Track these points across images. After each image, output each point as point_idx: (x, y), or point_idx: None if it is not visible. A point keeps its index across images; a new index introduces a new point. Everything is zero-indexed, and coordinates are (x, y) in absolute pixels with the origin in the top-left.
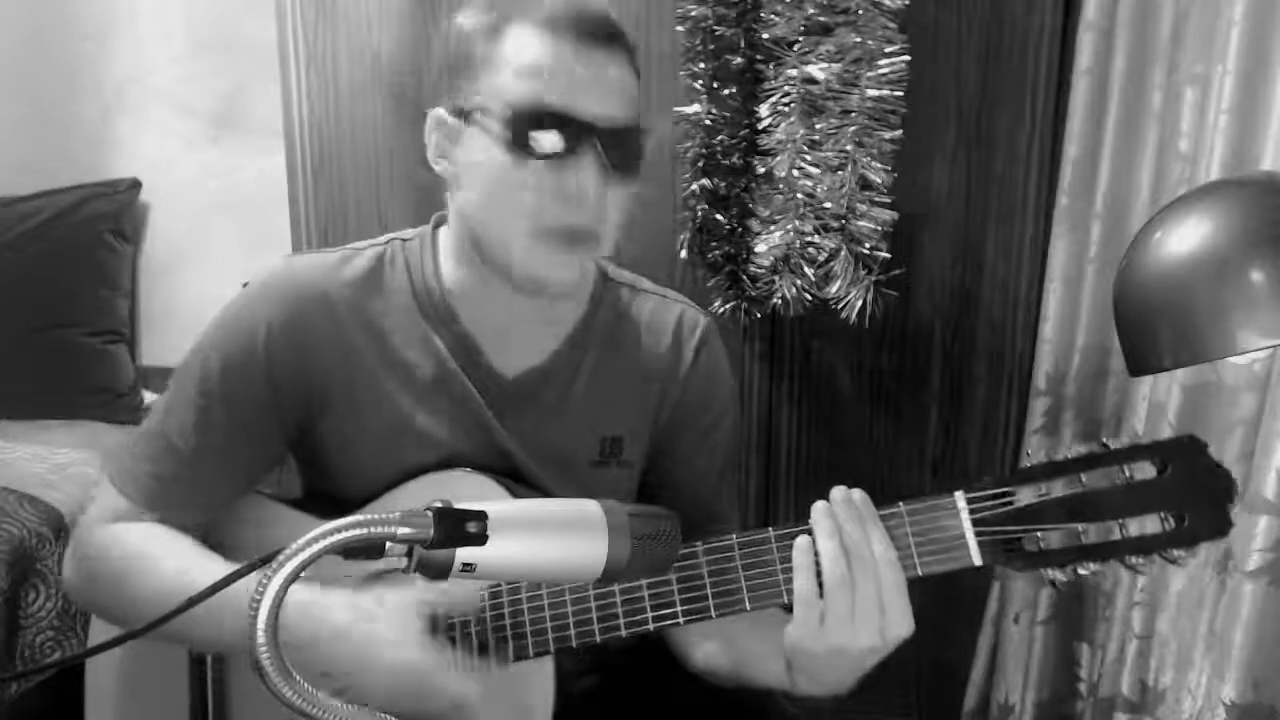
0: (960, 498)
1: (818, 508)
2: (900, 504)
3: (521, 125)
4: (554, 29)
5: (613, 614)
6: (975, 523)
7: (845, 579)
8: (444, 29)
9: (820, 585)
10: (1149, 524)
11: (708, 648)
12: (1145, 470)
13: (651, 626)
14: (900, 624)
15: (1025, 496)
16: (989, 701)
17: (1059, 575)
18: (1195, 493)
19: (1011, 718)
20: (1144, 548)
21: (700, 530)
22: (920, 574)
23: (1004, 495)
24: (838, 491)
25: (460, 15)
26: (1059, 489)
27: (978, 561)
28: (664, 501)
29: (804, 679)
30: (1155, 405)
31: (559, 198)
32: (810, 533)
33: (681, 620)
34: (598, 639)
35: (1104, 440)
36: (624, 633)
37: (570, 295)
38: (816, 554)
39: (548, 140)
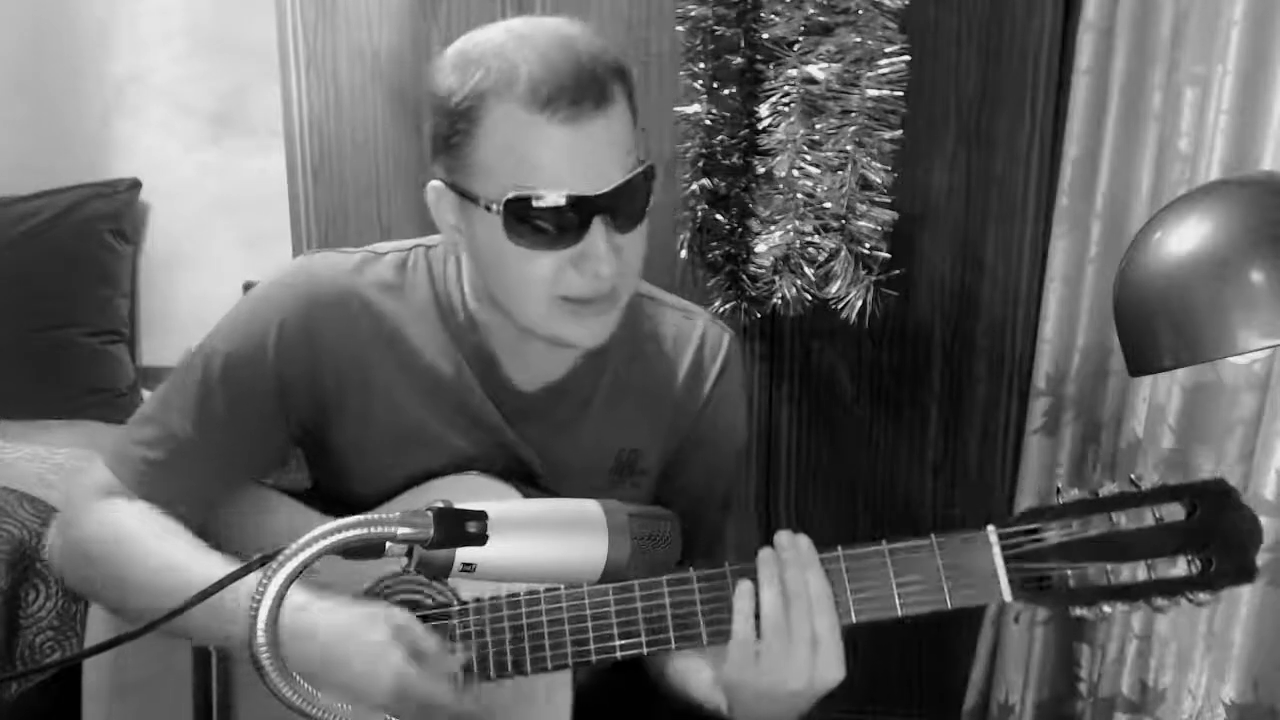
0: (992, 532)
1: (764, 554)
2: (931, 536)
3: (521, 215)
4: (540, 107)
5: (633, 630)
6: (1007, 559)
7: (782, 625)
8: (424, 90)
9: (758, 628)
10: (1174, 564)
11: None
12: (1174, 511)
13: (674, 645)
14: (830, 668)
15: (1055, 533)
16: (989, 701)
17: (1087, 613)
18: (1222, 536)
19: (1011, 718)
20: (1170, 590)
21: (699, 555)
22: (950, 607)
23: (1035, 532)
24: (783, 536)
25: (435, 77)
26: (1089, 527)
27: (1008, 597)
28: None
29: (740, 711)
30: (1155, 405)
31: (574, 269)
32: (755, 575)
33: (705, 641)
34: (618, 655)
35: (1132, 478)
36: (645, 650)
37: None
38: (758, 599)
39: (551, 225)
